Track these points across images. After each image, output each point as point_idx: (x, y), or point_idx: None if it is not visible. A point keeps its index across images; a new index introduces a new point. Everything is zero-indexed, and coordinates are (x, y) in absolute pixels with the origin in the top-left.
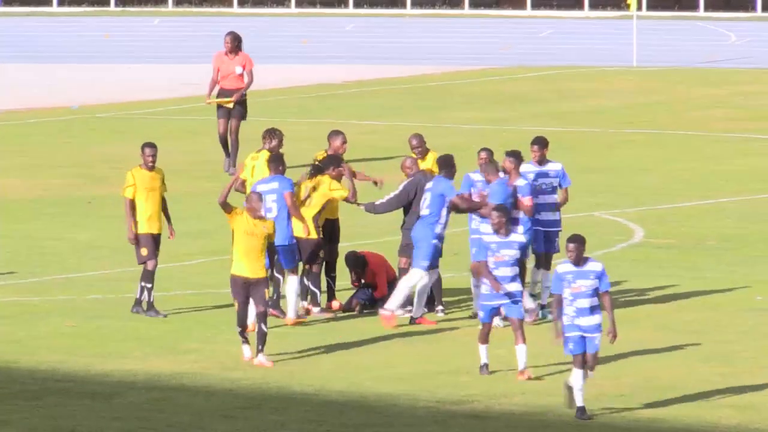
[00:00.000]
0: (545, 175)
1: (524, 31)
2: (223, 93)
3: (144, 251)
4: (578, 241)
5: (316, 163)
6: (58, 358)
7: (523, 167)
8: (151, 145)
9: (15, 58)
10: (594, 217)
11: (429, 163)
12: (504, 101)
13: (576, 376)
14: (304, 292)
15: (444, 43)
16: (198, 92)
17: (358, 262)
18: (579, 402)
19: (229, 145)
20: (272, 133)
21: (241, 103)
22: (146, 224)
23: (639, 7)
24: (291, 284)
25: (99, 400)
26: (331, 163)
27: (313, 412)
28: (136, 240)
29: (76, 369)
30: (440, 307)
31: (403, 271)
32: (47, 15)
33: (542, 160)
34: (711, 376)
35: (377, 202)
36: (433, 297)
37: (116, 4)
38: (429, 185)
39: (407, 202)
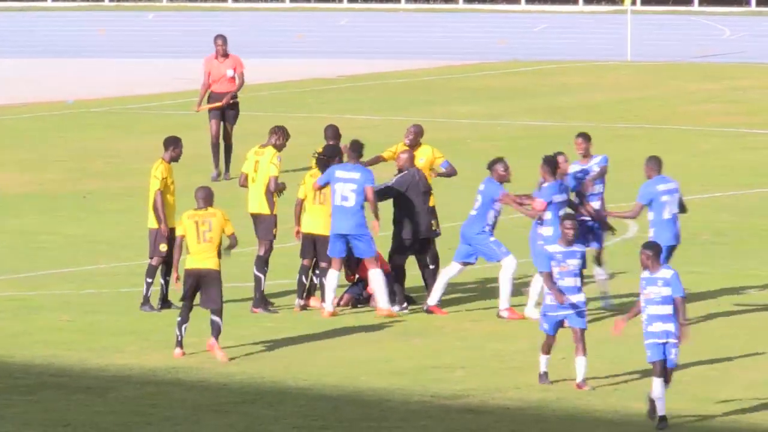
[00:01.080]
0: (591, 170)
1: (519, 26)
2: (215, 96)
3: (164, 247)
4: (653, 248)
5: (320, 156)
6: (53, 352)
7: (571, 167)
8: (180, 139)
9: (9, 53)
10: None
11: (427, 155)
12: (499, 96)
13: (656, 386)
14: (313, 287)
15: (439, 38)
16: (193, 87)
17: (351, 258)
18: (661, 411)
19: (221, 151)
20: (281, 131)
21: (234, 107)
22: (171, 219)
23: (633, 2)
24: (331, 276)
25: (94, 394)
26: (335, 154)
27: (307, 407)
28: (165, 235)
29: (71, 363)
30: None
31: (399, 268)
32: (42, 10)
33: (587, 154)
34: (704, 370)
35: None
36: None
37: None
38: (481, 187)
39: (398, 195)
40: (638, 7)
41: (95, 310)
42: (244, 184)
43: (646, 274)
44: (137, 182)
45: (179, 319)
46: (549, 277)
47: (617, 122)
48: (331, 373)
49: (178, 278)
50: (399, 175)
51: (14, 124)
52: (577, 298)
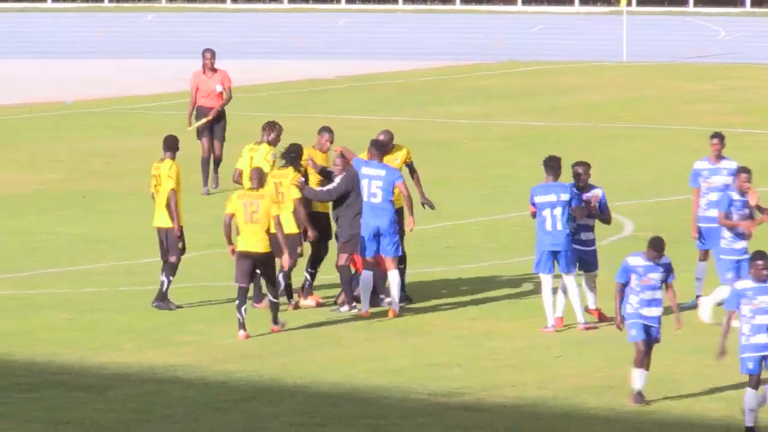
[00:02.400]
0: (718, 172)
1: (515, 27)
2: (202, 111)
3: (181, 244)
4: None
5: (284, 153)
6: (53, 350)
7: (698, 164)
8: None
9: (9, 53)
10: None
11: (402, 154)
12: (495, 96)
13: (749, 396)
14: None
15: (436, 39)
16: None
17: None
18: (749, 422)
19: (210, 168)
20: (272, 126)
21: (221, 121)
22: (182, 217)
23: (629, 3)
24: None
25: (94, 392)
26: (299, 152)
27: (306, 404)
28: (181, 233)
29: (71, 361)
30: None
31: (343, 267)
32: (41, 11)
33: (719, 156)
34: (699, 368)
35: (320, 189)
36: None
37: (110, 0)
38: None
39: (344, 194)
40: (634, 7)
41: (94, 308)
42: (238, 180)
43: (751, 283)
44: (136, 182)
45: (237, 302)
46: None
47: (614, 122)
48: (330, 370)
49: (233, 251)
50: (341, 176)
51: (14, 125)
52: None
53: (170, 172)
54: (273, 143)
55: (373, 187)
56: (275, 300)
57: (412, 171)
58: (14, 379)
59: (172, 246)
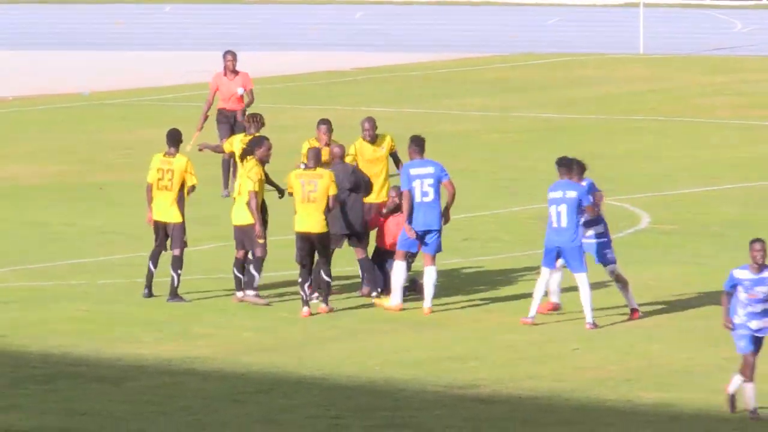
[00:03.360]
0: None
1: (531, 19)
2: (224, 114)
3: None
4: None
5: (246, 148)
6: (69, 342)
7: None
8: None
9: (27, 44)
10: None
11: (387, 142)
12: (511, 88)
13: (735, 380)
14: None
15: (452, 31)
16: (208, 80)
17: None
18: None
19: (230, 170)
20: (254, 119)
21: (243, 124)
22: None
23: None
24: (430, 273)
25: (110, 383)
26: (255, 145)
27: (322, 397)
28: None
29: (87, 353)
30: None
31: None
32: (59, 2)
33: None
34: (716, 360)
35: None
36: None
37: None
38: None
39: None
40: (650, 0)
41: (111, 300)
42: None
43: (749, 274)
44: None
45: (300, 279)
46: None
47: (630, 115)
48: (346, 363)
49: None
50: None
51: (30, 116)
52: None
53: (251, 174)
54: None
55: (425, 185)
56: (328, 279)
57: (397, 161)
58: (30, 371)
59: (176, 239)
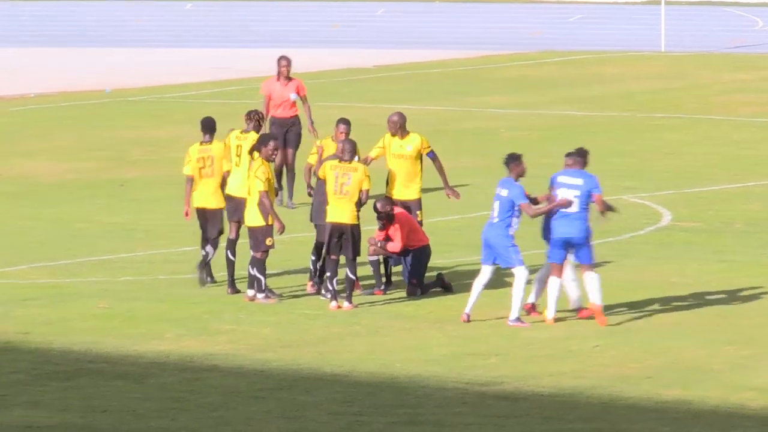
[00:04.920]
0: None
1: (554, 17)
2: (276, 122)
3: (270, 241)
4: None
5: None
6: (90, 339)
7: None
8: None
9: (48, 42)
10: (622, 200)
11: (415, 143)
12: (533, 86)
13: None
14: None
15: (474, 28)
16: (230, 76)
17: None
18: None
19: (284, 177)
20: (254, 115)
21: (295, 129)
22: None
23: None
24: (592, 278)
25: (131, 380)
26: (261, 143)
27: (343, 393)
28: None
29: (108, 350)
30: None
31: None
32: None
33: None
34: (736, 358)
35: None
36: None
37: None
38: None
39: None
40: None
41: (132, 297)
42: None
43: None
44: (174, 171)
45: (329, 274)
46: None
47: (651, 112)
48: (367, 360)
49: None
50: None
51: (52, 113)
52: None
53: (258, 173)
54: (258, 131)
55: (569, 196)
56: (353, 277)
57: (434, 159)
58: (52, 368)
59: (213, 224)
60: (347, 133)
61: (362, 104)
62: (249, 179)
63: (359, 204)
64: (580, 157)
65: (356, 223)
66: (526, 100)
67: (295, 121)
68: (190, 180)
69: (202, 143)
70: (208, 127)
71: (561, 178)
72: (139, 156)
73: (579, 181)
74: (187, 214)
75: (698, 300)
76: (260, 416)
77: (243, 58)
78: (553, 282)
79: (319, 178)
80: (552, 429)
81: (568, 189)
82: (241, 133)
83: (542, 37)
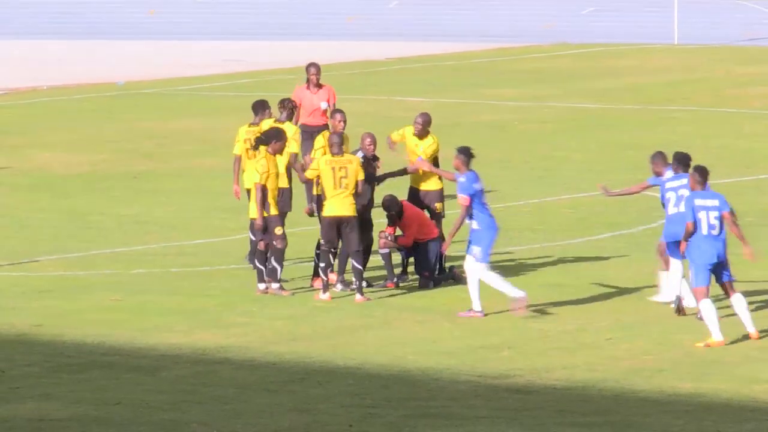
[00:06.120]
0: None
1: (567, 9)
2: (306, 129)
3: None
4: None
5: (259, 135)
6: (103, 331)
7: None
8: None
9: (61, 34)
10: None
11: (428, 150)
12: (546, 78)
13: None
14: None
15: (487, 21)
16: (243, 69)
17: (393, 207)
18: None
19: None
20: (283, 104)
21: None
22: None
23: None
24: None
25: (144, 373)
26: (272, 137)
27: (356, 386)
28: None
29: (121, 342)
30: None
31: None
32: None
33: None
34: (749, 351)
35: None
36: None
37: None
38: None
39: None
40: None
41: (145, 289)
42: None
43: None
44: (187, 163)
45: (323, 264)
46: None
47: (664, 105)
48: (380, 352)
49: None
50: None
51: (65, 106)
52: None
53: (257, 166)
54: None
55: (711, 218)
56: (360, 267)
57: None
58: (64, 360)
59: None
60: (344, 123)
61: (376, 96)
62: (249, 171)
63: (356, 194)
64: (702, 177)
65: (356, 214)
66: (539, 93)
67: (324, 129)
68: (238, 159)
69: (250, 125)
70: (259, 107)
71: (698, 201)
72: (153, 149)
73: (716, 202)
74: (236, 193)
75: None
76: (272, 409)
77: (254, 50)
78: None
79: (308, 179)
80: (565, 422)
81: (708, 211)
82: (275, 122)
83: (555, 30)
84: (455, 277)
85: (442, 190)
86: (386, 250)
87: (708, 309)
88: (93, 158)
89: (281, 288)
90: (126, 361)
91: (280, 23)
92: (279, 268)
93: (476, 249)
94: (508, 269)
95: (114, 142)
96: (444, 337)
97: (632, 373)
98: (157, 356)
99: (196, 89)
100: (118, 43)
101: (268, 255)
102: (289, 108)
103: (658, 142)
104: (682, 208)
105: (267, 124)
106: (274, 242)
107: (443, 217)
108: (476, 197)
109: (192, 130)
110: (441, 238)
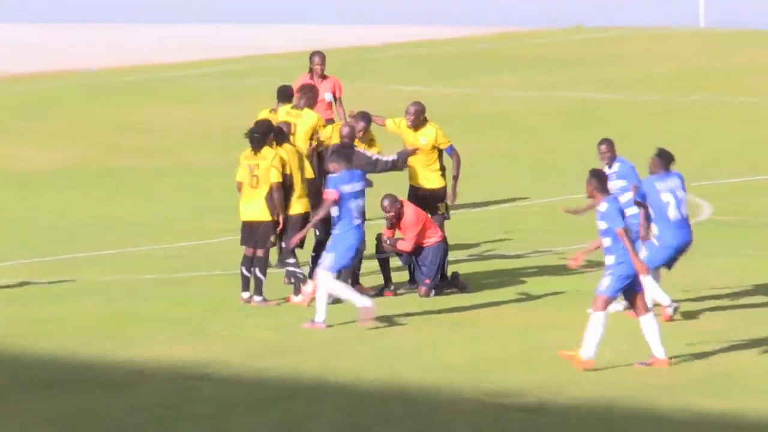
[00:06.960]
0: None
1: None
2: None
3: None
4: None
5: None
6: (76, 342)
7: None
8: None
9: (35, 18)
10: None
11: (430, 137)
12: (554, 65)
13: None
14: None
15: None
16: (232, 54)
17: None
18: None
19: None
20: (303, 90)
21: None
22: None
23: None
24: None
25: (118, 388)
26: (269, 130)
27: (348, 404)
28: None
29: (95, 354)
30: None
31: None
32: None
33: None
34: (764, 357)
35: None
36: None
37: None
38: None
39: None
40: None
41: (123, 295)
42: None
43: None
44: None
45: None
46: None
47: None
48: (374, 366)
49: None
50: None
51: (46, 94)
52: None
53: (275, 163)
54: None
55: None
56: (262, 277)
57: (451, 155)
58: (34, 374)
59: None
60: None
61: (373, 84)
62: (259, 169)
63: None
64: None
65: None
66: (545, 81)
67: (329, 123)
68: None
69: (271, 111)
70: (283, 95)
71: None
72: (136, 143)
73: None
74: None
75: (733, 301)
76: (257, 429)
77: (241, 35)
78: None
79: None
80: None
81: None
82: (292, 108)
83: (564, 13)
84: (459, 285)
85: (444, 188)
86: (385, 255)
87: (600, 324)
88: (74, 152)
89: (264, 300)
90: (101, 376)
91: (270, 7)
92: (263, 279)
93: (329, 256)
94: (514, 274)
95: (96, 135)
96: (445, 349)
97: (653, 388)
98: (133, 370)
99: (182, 76)
100: (95, 26)
101: (245, 265)
102: (309, 96)
103: (672, 132)
104: (684, 211)
105: (283, 110)
106: (263, 251)
107: (447, 218)
108: (348, 198)
109: (177, 119)
110: (445, 243)
